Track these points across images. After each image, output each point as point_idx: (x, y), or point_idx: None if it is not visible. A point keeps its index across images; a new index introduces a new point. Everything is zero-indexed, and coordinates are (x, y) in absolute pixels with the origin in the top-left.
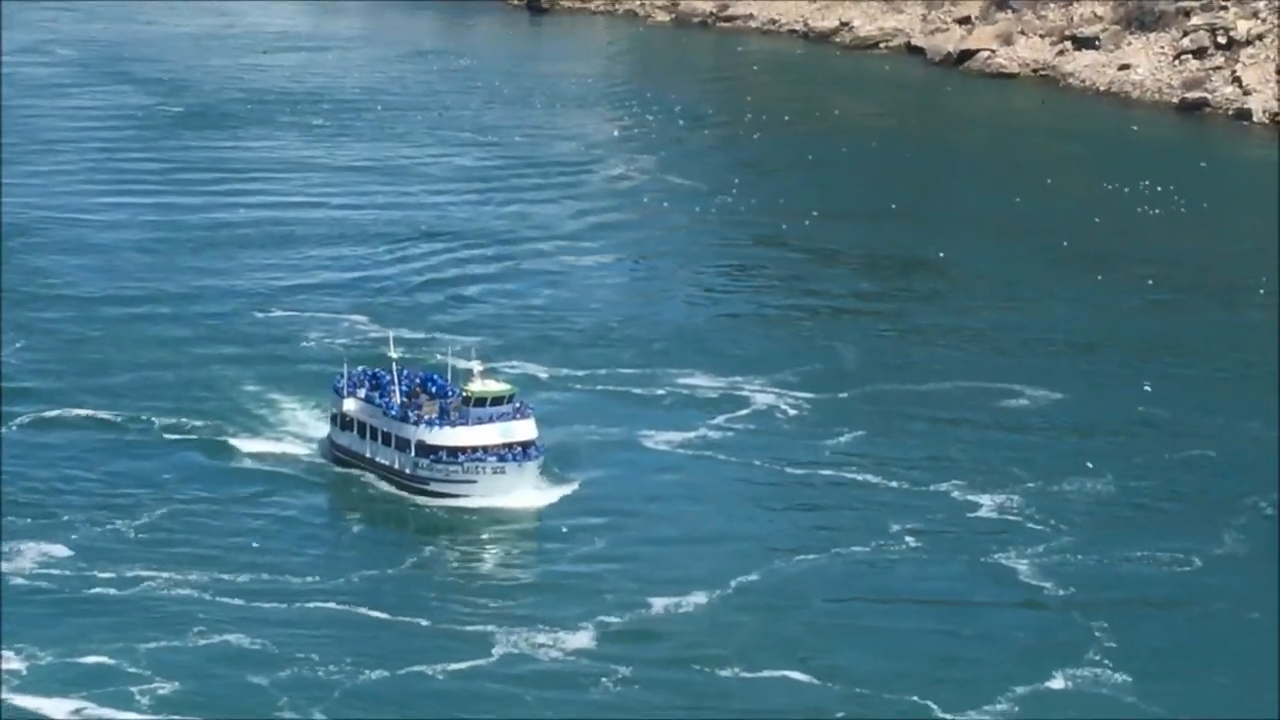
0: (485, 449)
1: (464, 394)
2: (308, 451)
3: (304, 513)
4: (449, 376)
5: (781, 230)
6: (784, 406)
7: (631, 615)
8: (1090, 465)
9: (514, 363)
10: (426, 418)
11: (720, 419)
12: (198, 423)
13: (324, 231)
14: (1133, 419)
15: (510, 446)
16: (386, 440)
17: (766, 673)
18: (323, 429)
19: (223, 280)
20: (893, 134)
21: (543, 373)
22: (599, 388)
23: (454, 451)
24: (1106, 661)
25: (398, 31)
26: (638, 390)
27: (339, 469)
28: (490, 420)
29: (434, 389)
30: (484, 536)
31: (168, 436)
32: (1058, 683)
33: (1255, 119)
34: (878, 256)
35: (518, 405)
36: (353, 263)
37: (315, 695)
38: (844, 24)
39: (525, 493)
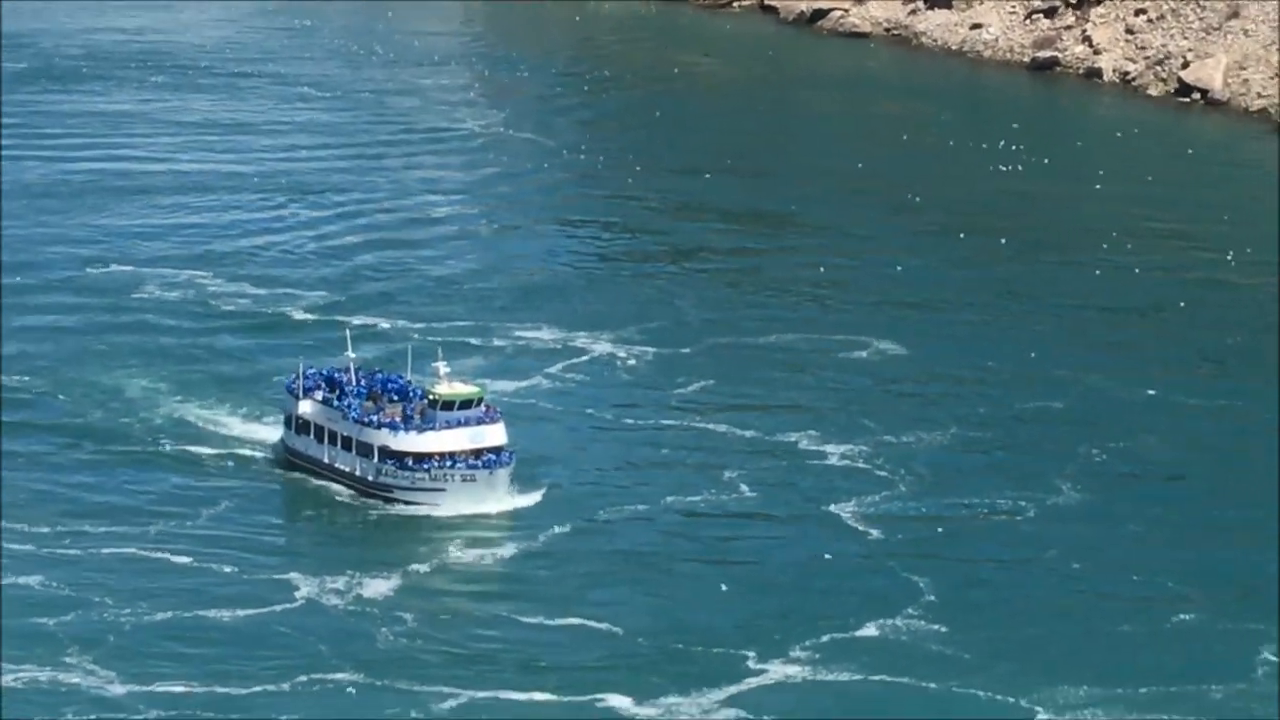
0: (454, 455)
1: (430, 396)
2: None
3: (112, 466)
4: (408, 376)
5: (629, 185)
6: (628, 358)
7: (437, 563)
8: (934, 417)
9: (357, 318)
10: (390, 421)
11: (558, 368)
12: (26, 378)
13: (165, 186)
14: (978, 372)
15: (480, 453)
16: (347, 445)
17: (565, 620)
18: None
19: (60, 234)
20: (744, 92)
21: (384, 323)
22: (438, 339)
23: (421, 458)
24: (922, 611)
25: None
26: (475, 340)
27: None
28: (460, 424)
29: (394, 391)
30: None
31: None
32: (869, 631)
33: (1106, 78)
34: (727, 212)
35: (486, 408)
36: (195, 218)
37: (97, 637)
38: None
39: (496, 500)
